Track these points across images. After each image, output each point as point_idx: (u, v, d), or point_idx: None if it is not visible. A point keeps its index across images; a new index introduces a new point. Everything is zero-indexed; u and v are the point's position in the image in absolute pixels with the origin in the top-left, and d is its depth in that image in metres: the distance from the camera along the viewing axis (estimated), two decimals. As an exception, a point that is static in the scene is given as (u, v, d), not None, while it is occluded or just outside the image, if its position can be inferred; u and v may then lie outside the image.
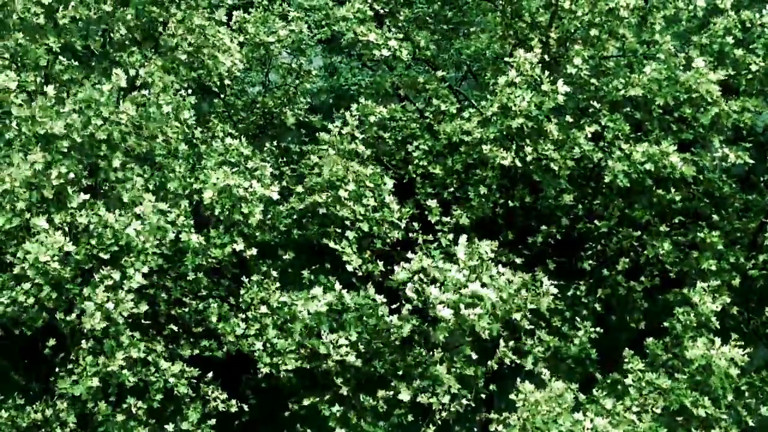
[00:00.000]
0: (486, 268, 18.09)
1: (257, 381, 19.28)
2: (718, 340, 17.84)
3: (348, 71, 26.09)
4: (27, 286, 16.42)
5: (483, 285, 17.61)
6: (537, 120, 19.16)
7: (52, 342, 17.35)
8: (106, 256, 16.77)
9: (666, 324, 18.75)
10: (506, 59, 20.12)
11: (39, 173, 16.56)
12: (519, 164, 19.74)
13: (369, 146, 21.47)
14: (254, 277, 18.88)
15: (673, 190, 20.75)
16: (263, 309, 18.37)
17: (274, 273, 19.05)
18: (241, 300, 18.78)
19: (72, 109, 16.69)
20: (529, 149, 19.50)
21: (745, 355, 17.61)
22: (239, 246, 18.48)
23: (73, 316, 16.86)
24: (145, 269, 16.94)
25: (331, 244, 19.15)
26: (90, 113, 16.79)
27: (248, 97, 23.90)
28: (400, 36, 21.35)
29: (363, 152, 19.81)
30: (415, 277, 18.00)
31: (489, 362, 18.64)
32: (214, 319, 18.64)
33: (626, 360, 18.77)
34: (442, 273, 17.82)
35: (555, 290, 18.49)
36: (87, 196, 17.12)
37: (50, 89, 16.78)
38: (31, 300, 16.48)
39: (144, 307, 17.46)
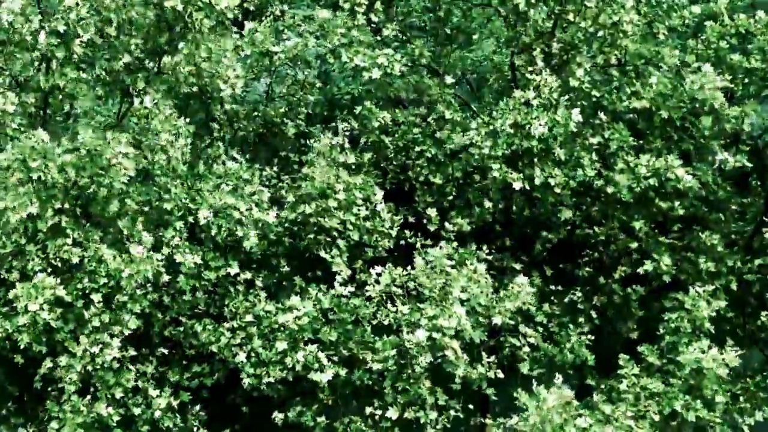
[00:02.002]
0: (463, 274, 18.19)
1: (246, 389, 19.36)
2: (708, 344, 17.90)
3: (341, 80, 26.17)
4: (23, 320, 16.53)
5: (462, 295, 17.67)
6: (546, 142, 19.28)
7: (43, 369, 17.41)
8: (98, 297, 16.82)
9: (662, 329, 18.79)
10: (526, 75, 20.14)
11: (36, 208, 16.60)
12: (527, 187, 19.83)
13: (369, 150, 21.51)
14: (239, 287, 18.92)
15: (676, 203, 20.78)
16: (248, 318, 18.40)
17: (259, 283, 19.05)
18: (226, 310, 18.83)
19: (67, 149, 16.63)
20: (537, 171, 19.55)
21: (737, 356, 17.67)
22: (234, 270, 18.55)
23: (62, 360, 16.95)
24: (137, 309, 17.04)
25: (322, 254, 19.20)
26: (87, 160, 16.75)
27: (250, 106, 23.98)
28: (390, 53, 21.14)
29: (354, 162, 19.79)
30: (393, 288, 18.16)
31: (477, 368, 18.65)
32: (199, 329, 18.69)
33: (621, 365, 18.84)
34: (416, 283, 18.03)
35: (531, 289, 18.51)
36: (80, 234, 17.22)
37: (43, 133, 16.63)
38: (26, 339, 16.65)
39: (132, 352, 17.59)
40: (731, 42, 21.02)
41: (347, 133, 19.59)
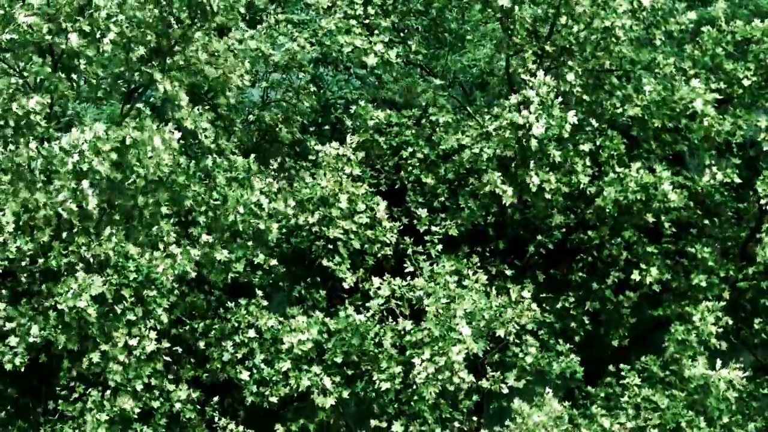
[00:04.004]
0: (467, 287, 18.11)
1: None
2: (719, 362, 17.99)
3: (334, 83, 25.88)
4: (67, 318, 16.55)
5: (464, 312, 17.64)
6: (542, 144, 19.12)
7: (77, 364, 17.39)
8: (129, 293, 16.90)
9: (666, 341, 18.84)
10: (523, 77, 19.97)
11: (76, 198, 16.56)
12: (521, 195, 19.72)
13: (362, 149, 21.32)
14: (242, 300, 18.86)
15: (663, 218, 20.74)
16: (251, 333, 18.36)
17: (260, 293, 18.96)
18: (228, 325, 18.74)
19: (114, 147, 16.70)
20: (534, 178, 19.37)
21: (744, 378, 17.78)
22: (260, 258, 18.64)
23: (94, 357, 16.92)
24: (166, 304, 17.16)
25: (325, 262, 19.12)
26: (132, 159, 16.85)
27: (246, 113, 23.76)
28: (386, 40, 20.94)
29: (357, 173, 19.70)
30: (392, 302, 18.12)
31: (482, 383, 18.60)
32: (202, 344, 18.73)
33: (623, 374, 18.92)
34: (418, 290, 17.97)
35: (536, 308, 18.55)
36: (112, 230, 17.17)
37: (99, 126, 16.75)
38: (62, 339, 16.73)
39: (166, 344, 17.65)
40: (727, 49, 20.95)
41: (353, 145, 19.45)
